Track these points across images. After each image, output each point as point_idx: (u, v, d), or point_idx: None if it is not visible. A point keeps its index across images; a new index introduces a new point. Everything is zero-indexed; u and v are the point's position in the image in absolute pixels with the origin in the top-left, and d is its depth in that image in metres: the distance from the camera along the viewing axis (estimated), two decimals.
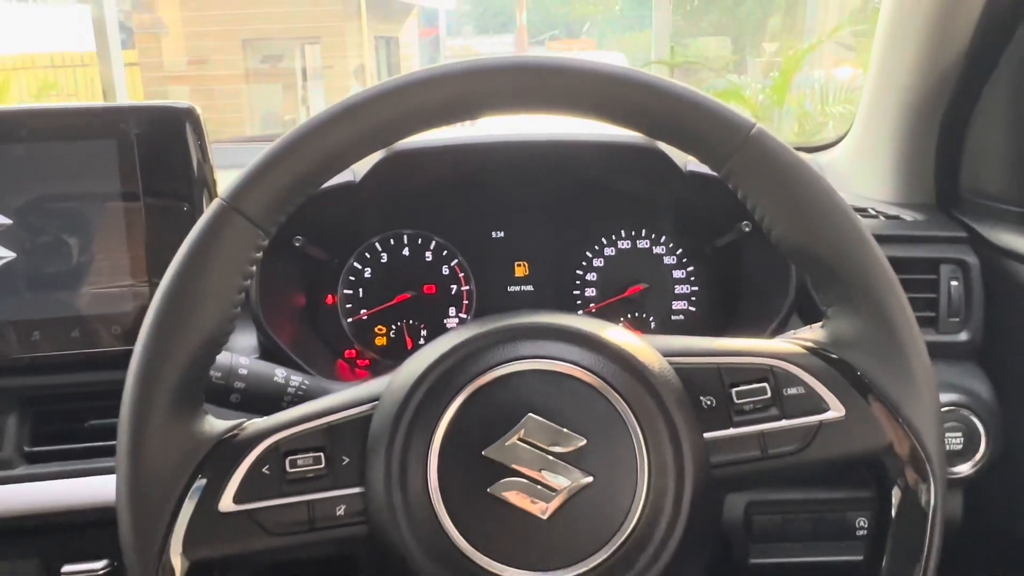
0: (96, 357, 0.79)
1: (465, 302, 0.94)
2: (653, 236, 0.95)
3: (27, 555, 0.80)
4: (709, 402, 0.57)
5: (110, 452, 0.80)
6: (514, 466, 0.53)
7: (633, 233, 0.95)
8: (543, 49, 12.20)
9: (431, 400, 0.55)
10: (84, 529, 0.79)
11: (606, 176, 0.93)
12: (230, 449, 0.56)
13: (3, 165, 0.77)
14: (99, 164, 0.78)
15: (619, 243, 0.95)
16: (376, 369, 0.94)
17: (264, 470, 0.55)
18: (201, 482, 0.54)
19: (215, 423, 0.57)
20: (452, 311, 0.94)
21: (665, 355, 0.58)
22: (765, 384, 0.57)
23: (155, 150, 0.79)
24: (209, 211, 0.56)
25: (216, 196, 0.76)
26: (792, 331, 0.64)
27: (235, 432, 0.57)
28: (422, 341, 0.94)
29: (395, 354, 0.94)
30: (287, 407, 0.66)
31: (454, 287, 0.94)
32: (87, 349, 0.79)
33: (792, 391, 0.56)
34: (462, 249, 0.94)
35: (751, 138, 0.55)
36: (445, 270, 0.94)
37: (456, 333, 0.58)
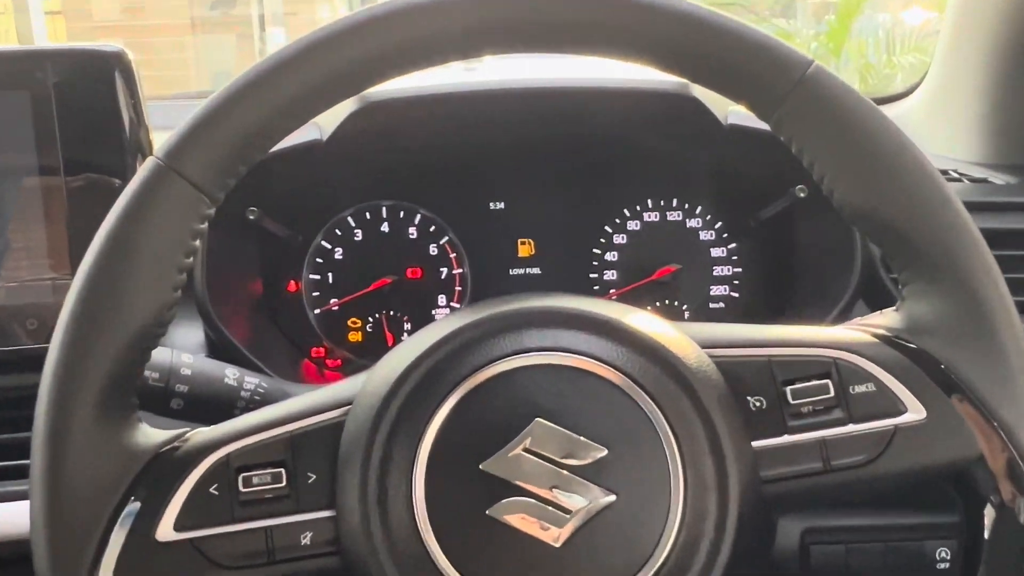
0: (6, 357, 0.78)
1: (458, 288, 0.93)
2: (687, 206, 0.93)
3: None
4: (758, 403, 0.55)
5: (23, 473, 0.80)
6: (519, 483, 0.51)
7: (662, 203, 0.94)
8: None
9: (416, 402, 0.53)
10: None
11: (629, 133, 0.91)
12: (169, 465, 0.54)
13: None
14: (7, 123, 0.77)
15: (645, 215, 0.94)
16: (349, 371, 0.93)
17: (212, 490, 0.54)
18: (134, 505, 0.53)
19: (151, 433, 0.56)
20: (442, 299, 0.93)
21: (703, 346, 0.56)
22: (827, 381, 0.55)
23: (77, 105, 0.77)
24: (141, 172, 0.54)
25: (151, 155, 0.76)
26: (859, 318, 0.62)
27: (176, 444, 0.56)
28: (405, 336, 0.93)
29: (373, 352, 0.92)
30: (240, 415, 0.65)
31: (444, 270, 0.93)
32: None
33: (860, 389, 0.55)
34: (453, 224, 0.93)
35: (807, 78, 0.54)
36: (433, 250, 0.93)
37: (446, 322, 0.57)
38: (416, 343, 0.56)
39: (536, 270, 0.94)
